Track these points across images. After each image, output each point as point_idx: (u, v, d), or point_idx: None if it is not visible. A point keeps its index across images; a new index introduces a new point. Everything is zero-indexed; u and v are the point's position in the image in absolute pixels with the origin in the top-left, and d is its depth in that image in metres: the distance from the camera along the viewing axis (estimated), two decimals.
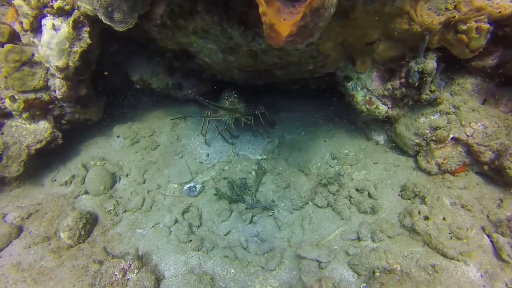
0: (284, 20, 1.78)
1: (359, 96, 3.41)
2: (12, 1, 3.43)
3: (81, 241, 3.12)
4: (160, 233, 3.16)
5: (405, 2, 2.53)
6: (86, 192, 3.74)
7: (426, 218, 2.62)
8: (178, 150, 4.21)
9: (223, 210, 3.26)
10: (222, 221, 3.22)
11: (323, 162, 3.77)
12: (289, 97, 5.29)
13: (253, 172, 3.59)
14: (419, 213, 2.68)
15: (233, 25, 2.98)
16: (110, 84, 4.78)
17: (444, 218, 2.56)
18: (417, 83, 2.89)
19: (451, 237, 2.56)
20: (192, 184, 3.57)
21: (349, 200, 3.14)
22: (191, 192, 3.50)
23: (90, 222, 3.26)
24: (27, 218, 3.45)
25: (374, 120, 3.64)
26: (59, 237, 3.15)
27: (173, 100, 5.03)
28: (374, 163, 3.58)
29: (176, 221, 3.24)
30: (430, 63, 2.72)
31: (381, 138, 3.79)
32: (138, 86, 4.69)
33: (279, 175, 3.56)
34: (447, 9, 2.48)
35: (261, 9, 1.66)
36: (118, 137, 4.54)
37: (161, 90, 4.66)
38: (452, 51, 2.71)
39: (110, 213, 3.47)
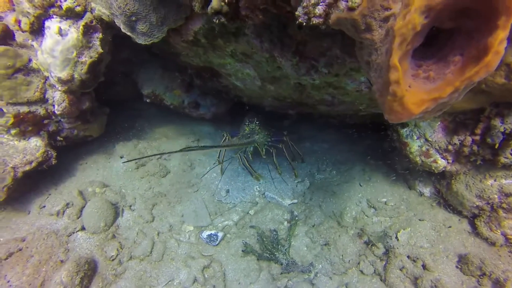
0: (409, 87, 1.28)
1: (414, 146, 2.96)
2: None
3: None
4: None
5: (509, 52, 2.08)
6: (83, 228, 3.13)
7: None
8: (193, 182, 3.64)
9: (252, 270, 2.74)
10: (251, 283, 2.70)
11: (359, 211, 3.31)
12: (313, 123, 4.80)
13: (285, 223, 3.08)
14: None
15: (286, 55, 2.46)
16: (115, 95, 4.16)
17: None
18: (497, 145, 2.46)
19: None
20: (213, 231, 3.01)
21: (402, 270, 2.69)
22: (212, 241, 2.95)
23: (89, 274, 2.67)
24: (6, 259, 2.83)
25: (423, 170, 3.21)
26: None
27: (186, 116, 4.44)
28: (420, 220, 3.15)
29: (195, 280, 2.70)
30: None
31: (427, 190, 3.36)
32: (148, 100, 4.09)
33: (314, 228, 3.07)
34: None
35: (393, 76, 1.15)
36: (121, 157, 3.92)
37: (175, 107, 4.08)
38: None
39: (112, 260, 2.89)
